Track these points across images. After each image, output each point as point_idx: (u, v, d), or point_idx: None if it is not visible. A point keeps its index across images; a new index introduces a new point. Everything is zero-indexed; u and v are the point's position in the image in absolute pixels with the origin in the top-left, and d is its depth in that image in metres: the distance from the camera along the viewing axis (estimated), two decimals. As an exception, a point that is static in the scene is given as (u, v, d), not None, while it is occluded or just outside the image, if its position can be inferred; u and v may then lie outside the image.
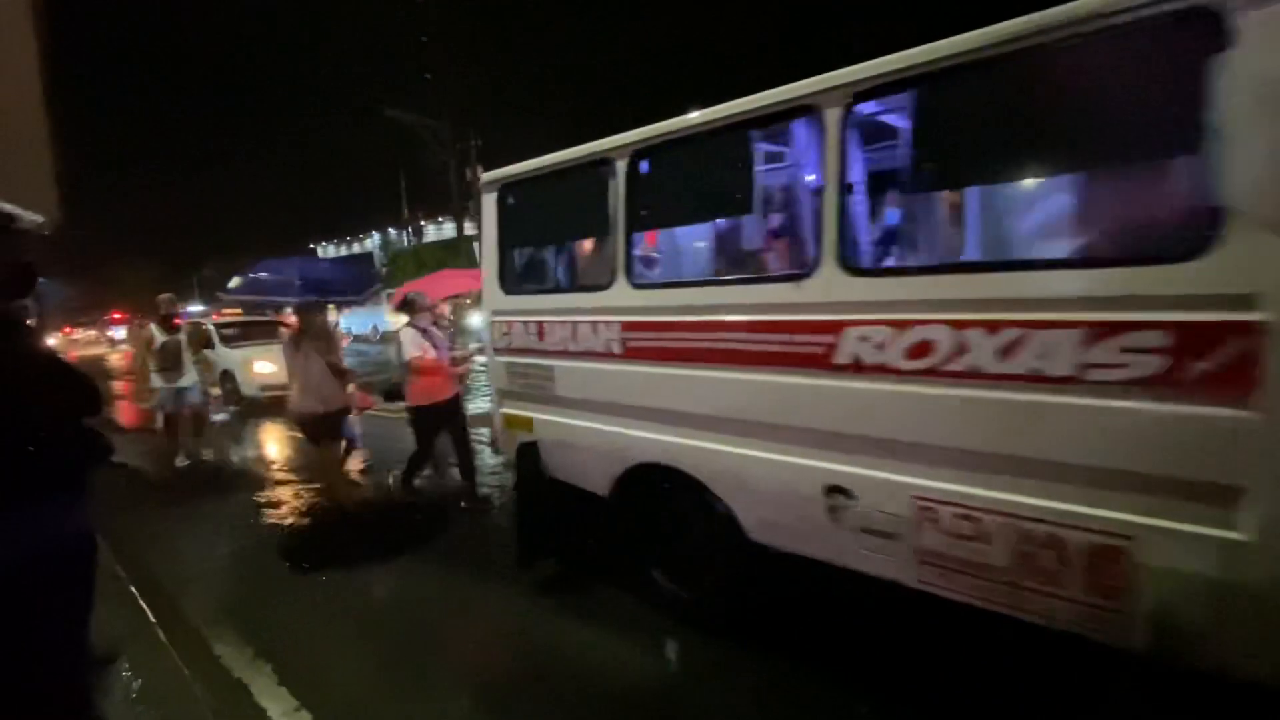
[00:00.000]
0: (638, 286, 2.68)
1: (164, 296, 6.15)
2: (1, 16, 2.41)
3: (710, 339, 2.41)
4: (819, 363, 2.13)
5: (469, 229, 27.67)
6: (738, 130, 2.36)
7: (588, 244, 3.37)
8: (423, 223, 44.56)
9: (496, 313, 3.43)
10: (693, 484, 2.64)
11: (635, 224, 2.69)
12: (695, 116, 2.42)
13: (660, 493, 2.84)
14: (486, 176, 3.38)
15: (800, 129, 2.49)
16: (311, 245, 57.50)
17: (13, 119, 2.41)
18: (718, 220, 2.55)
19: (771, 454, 2.33)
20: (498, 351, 3.46)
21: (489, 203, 3.39)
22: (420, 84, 25.98)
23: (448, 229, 38.13)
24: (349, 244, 55.74)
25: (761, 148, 2.51)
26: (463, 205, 27.46)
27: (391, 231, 48.98)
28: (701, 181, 2.54)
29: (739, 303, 2.37)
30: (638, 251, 2.77)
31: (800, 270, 2.23)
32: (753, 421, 2.35)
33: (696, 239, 3.21)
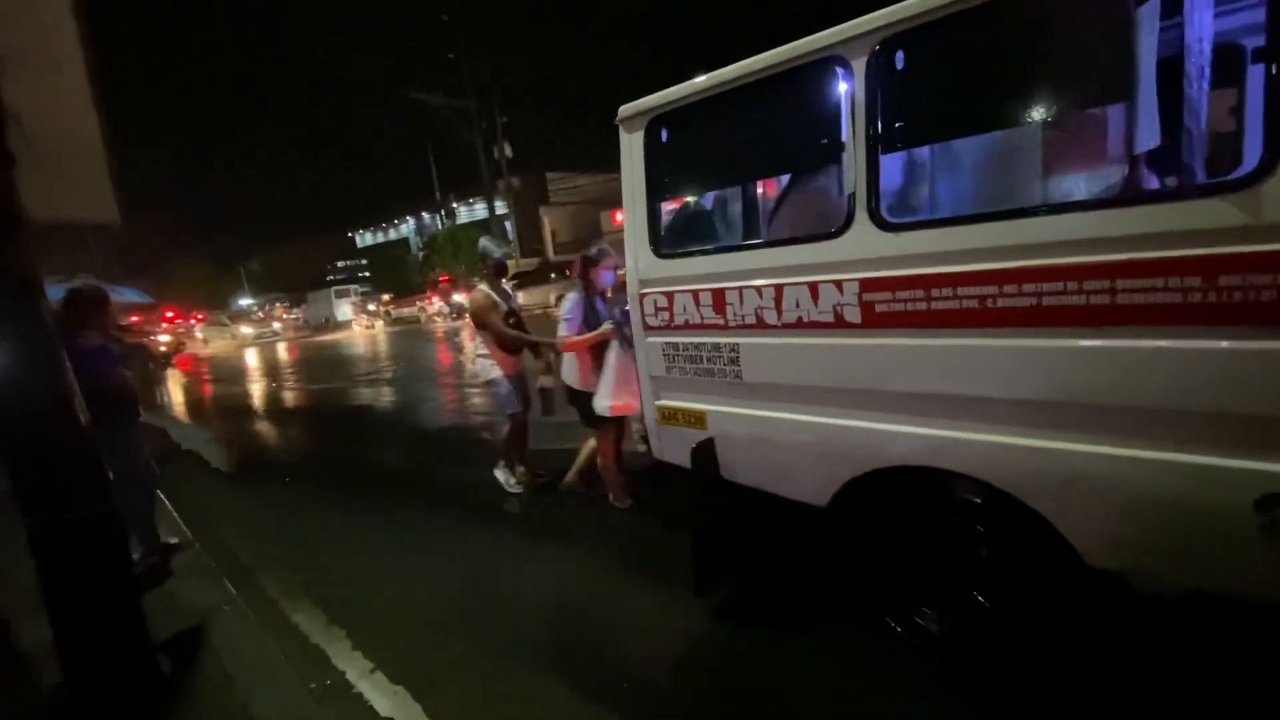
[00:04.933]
0: (893, 229, 1.94)
1: (487, 241, 4.29)
2: (52, 21, 2.46)
3: (1062, 291, 1.65)
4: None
5: (500, 208, 27.26)
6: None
7: (789, 184, 2.62)
8: (455, 205, 44.25)
9: (647, 282, 2.74)
10: (981, 491, 1.95)
11: (885, 143, 1.94)
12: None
13: (915, 502, 2.16)
14: (627, 110, 2.66)
15: None
16: (350, 234, 57.99)
17: (69, 124, 2.47)
18: (1055, 120, 1.77)
19: (1155, 454, 1.61)
20: (650, 330, 2.78)
21: (632, 143, 2.67)
22: (445, 65, 25.22)
23: (479, 209, 37.72)
24: (385, 230, 55.84)
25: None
26: (493, 183, 26.94)
27: (425, 216, 48.88)
28: (1032, 65, 1.74)
29: (1115, 235, 1.59)
30: (889, 182, 2.02)
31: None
32: (1135, 409, 1.62)
33: (1003, 152, 2.42)
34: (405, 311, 30.66)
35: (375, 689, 2.46)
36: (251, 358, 20.81)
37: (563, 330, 3.57)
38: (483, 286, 4.13)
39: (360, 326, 29.85)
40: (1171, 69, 1.68)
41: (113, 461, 3.33)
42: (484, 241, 4.29)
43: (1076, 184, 2.07)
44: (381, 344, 19.51)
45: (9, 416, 2.22)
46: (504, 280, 4.25)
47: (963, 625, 2.14)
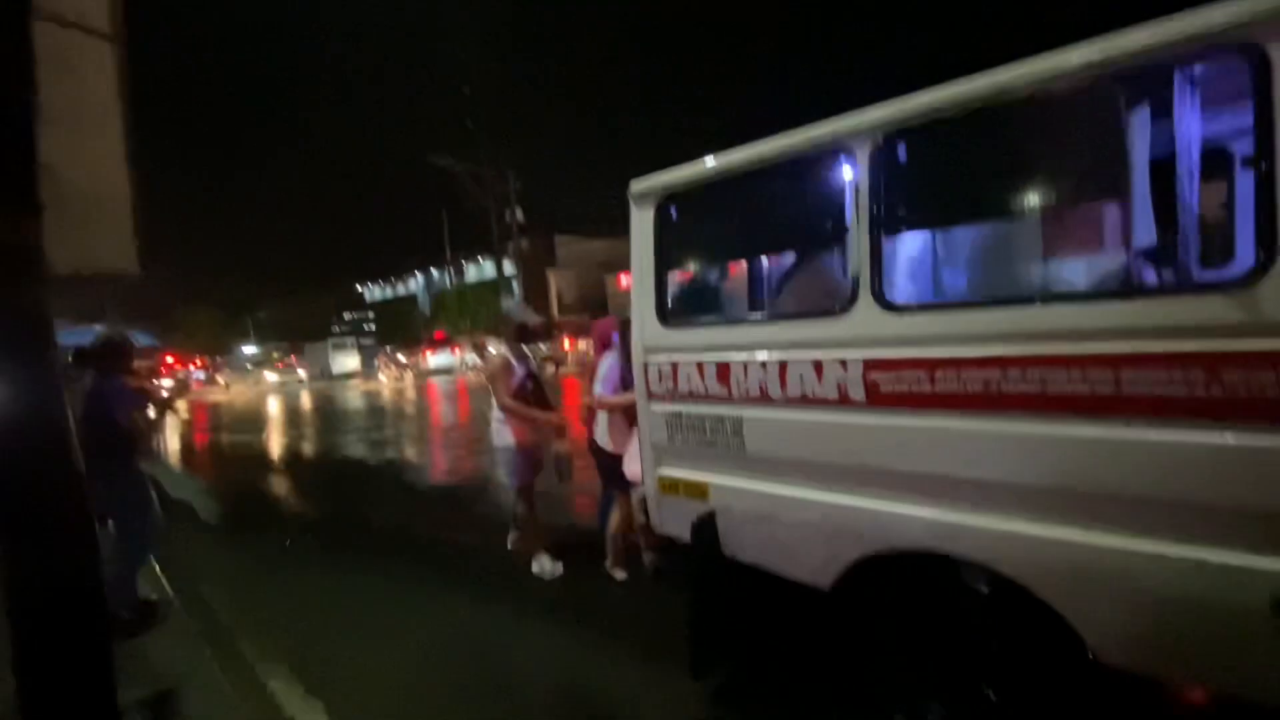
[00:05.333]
0: (896, 310, 1.98)
1: (511, 303, 4.36)
2: (95, 84, 2.53)
3: (1066, 379, 1.66)
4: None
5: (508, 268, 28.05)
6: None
7: (793, 261, 2.69)
8: (464, 262, 45.26)
9: (653, 350, 2.77)
10: (990, 579, 1.90)
11: (888, 228, 2.01)
12: (1024, 67, 1.71)
13: (922, 588, 2.10)
14: (638, 186, 2.75)
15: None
16: (358, 287, 58.99)
17: (101, 179, 2.52)
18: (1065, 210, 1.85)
19: (1166, 548, 1.58)
20: (654, 398, 2.79)
21: (643, 217, 2.75)
22: (462, 131, 26.45)
23: (488, 268, 38.60)
24: (392, 285, 56.83)
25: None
26: (502, 245, 27.73)
27: (434, 272, 49.85)
28: (1030, 164, 1.83)
29: (1115, 326, 1.61)
30: (892, 264, 2.08)
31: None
32: (1143, 500, 1.60)
33: (1005, 240, 2.50)
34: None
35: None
36: (268, 405, 20.77)
37: (599, 389, 3.58)
38: (501, 349, 4.06)
39: (388, 378, 30.03)
40: (1163, 170, 1.76)
41: (115, 503, 3.40)
42: (507, 303, 4.33)
43: (1077, 273, 2.13)
44: (402, 396, 19.49)
45: (7, 463, 2.19)
46: (524, 343, 4.11)
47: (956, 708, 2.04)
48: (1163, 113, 1.76)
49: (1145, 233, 1.81)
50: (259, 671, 3.06)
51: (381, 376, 31.31)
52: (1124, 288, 1.86)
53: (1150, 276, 1.91)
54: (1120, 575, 1.65)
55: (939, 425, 1.91)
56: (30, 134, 2.20)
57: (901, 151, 1.97)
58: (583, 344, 24.93)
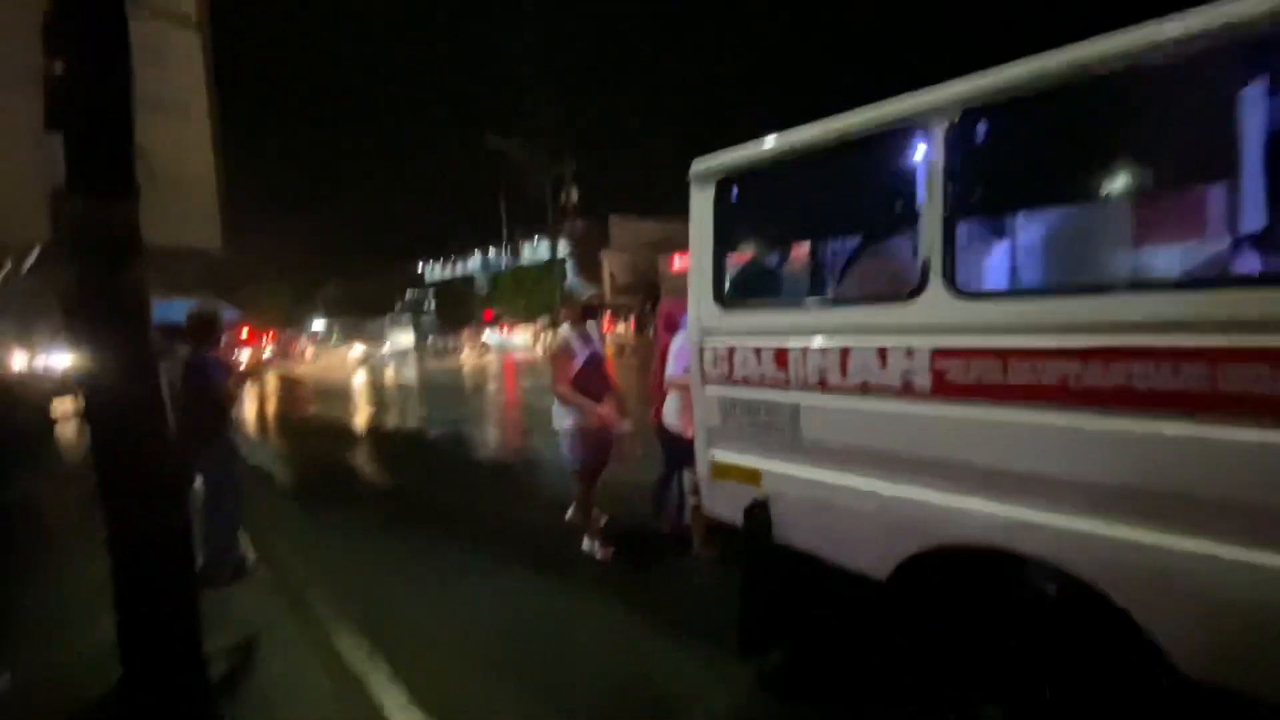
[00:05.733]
0: (968, 296, 1.90)
1: (575, 281, 4.44)
2: (184, 75, 2.73)
3: (1154, 373, 1.56)
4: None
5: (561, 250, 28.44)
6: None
7: (858, 243, 2.61)
8: (520, 243, 45.91)
9: (709, 333, 2.74)
10: (1059, 579, 1.82)
11: (962, 210, 1.92)
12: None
13: (985, 585, 2.04)
14: (698, 166, 2.71)
15: None
16: (419, 267, 60.86)
17: (189, 161, 2.72)
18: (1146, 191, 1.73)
19: (1262, 556, 1.47)
20: (709, 381, 2.77)
21: (702, 199, 2.72)
22: (520, 112, 26.81)
23: (542, 249, 39.04)
24: (452, 264, 58.31)
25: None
26: (556, 227, 28.01)
27: (491, 252, 50.78)
28: (1119, 144, 1.71)
29: (1214, 319, 1.49)
30: (965, 248, 1.99)
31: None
32: (1240, 506, 1.49)
33: (1091, 225, 2.37)
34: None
35: (409, 723, 2.46)
36: (354, 379, 21.51)
37: (671, 369, 3.56)
38: (565, 329, 3.98)
39: (473, 354, 31.04)
40: (1275, 149, 1.61)
41: (209, 466, 3.69)
42: (571, 281, 4.34)
43: (1170, 260, 1.98)
44: (488, 373, 20.07)
45: (108, 429, 2.38)
46: (589, 321, 4.02)
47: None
48: (1276, 87, 1.60)
49: (1252, 217, 1.67)
50: (330, 630, 3.26)
51: (465, 353, 32.21)
52: (1225, 277, 1.72)
53: (1254, 265, 1.76)
54: (1212, 584, 1.55)
55: (1012, 418, 1.83)
56: (128, 120, 2.35)
57: (981, 129, 1.87)
58: (621, 327, 24.94)
